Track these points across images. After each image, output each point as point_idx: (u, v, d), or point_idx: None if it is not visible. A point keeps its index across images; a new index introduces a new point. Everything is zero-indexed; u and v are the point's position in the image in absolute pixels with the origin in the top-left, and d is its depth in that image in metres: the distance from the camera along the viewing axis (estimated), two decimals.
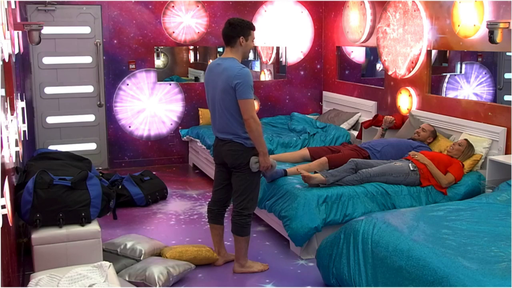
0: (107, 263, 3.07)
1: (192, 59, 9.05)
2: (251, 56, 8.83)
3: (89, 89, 7.12)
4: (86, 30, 6.97)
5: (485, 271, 2.80)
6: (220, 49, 8.77)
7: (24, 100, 4.72)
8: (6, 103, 2.98)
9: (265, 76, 8.36)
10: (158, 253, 4.26)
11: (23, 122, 4.20)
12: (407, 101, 6.19)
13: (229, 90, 3.83)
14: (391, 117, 6.03)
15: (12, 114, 3.23)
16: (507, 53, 5.36)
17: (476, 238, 3.25)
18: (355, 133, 6.71)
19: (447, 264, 2.92)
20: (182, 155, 7.68)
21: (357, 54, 7.66)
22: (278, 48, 8.13)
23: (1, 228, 2.27)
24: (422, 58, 5.90)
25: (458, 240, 3.22)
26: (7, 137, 2.83)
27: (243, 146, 3.93)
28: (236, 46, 3.95)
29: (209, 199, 5.97)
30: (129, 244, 4.17)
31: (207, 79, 4.04)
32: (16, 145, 3.45)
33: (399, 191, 4.62)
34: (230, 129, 3.93)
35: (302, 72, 8.07)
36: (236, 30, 3.91)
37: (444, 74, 6.36)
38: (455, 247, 3.12)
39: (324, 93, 8.09)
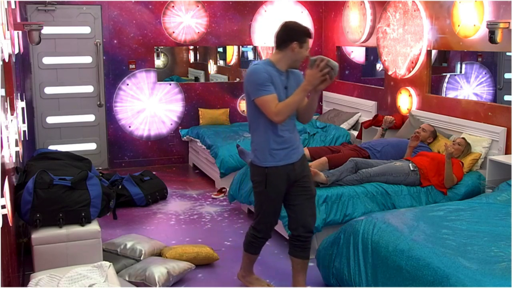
0: (107, 263, 3.07)
1: (192, 59, 9.06)
2: (251, 56, 8.83)
3: (89, 89, 7.12)
4: (86, 30, 6.97)
5: (485, 271, 2.80)
6: (220, 49, 8.79)
7: (24, 100, 4.72)
8: (6, 103, 2.98)
9: None
10: (158, 253, 4.26)
11: (23, 122, 4.20)
12: (407, 101, 6.19)
13: (246, 94, 3.48)
14: (391, 117, 6.02)
15: (12, 114, 3.23)
16: (507, 53, 5.36)
17: (476, 238, 3.25)
18: (355, 133, 6.71)
19: (447, 264, 2.92)
20: (182, 155, 7.68)
21: (357, 54, 7.66)
22: None
23: (1, 228, 2.27)
24: (422, 58, 5.90)
25: (458, 240, 3.22)
26: (7, 137, 2.83)
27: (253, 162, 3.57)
28: (285, 51, 3.42)
29: (209, 199, 6.03)
30: (129, 244, 4.17)
31: None
32: (16, 145, 3.45)
33: (399, 191, 4.61)
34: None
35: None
36: (291, 33, 3.40)
37: (444, 74, 6.37)
38: (455, 247, 3.12)
39: (324, 93, 8.07)
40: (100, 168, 7.15)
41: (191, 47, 8.64)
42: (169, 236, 4.94)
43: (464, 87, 6.22)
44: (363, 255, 3.48)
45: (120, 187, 5.73)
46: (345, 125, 6.93)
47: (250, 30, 7.67)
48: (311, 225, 3.58)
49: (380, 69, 7.18)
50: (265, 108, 3.31)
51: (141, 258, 4.08)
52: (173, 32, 7.32)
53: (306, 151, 5.59)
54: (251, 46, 8.29)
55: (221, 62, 9.00)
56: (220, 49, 8.76)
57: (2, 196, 2.30)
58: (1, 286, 2.28)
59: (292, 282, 3.68)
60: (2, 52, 2.73)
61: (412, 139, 5.16)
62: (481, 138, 5.07)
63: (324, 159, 5.09)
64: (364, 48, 7.41)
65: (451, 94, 6.19)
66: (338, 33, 7.63)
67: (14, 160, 3.75)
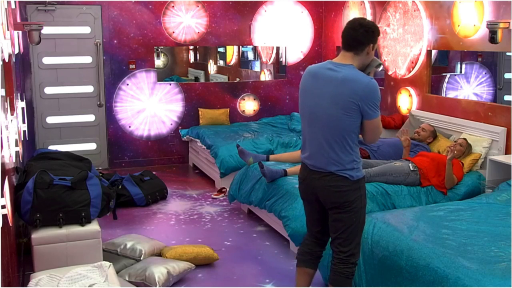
0: (107, 263, 3.07)
1: (192, 59, 9.05)
2: (250, 56, 8.84)
3: (89, 89, 7.12)
4: (86, 30, 6.97)
5: (485, 271, 2.80)
6: (221, 49, 8.78)
7: (24, 100, 4.72)
8: (6, 103, 2.98)
9: (265, 76, 8.36)
10: (158, 253, 4.26)
11: (23, 122, 4.20)
12: (407, 101, 6.19)
13: (349, 107, 2.95)
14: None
15: (12, 114, 3.23)
16: (507, 53, 5.36)
17: (476, 238, 3.26)
18: None
19: (447, 264, 2.93)
20: (182, 155, 7.68)
21: None
22: (278, 48, 8.13)
23: (1, 228, 2.27)
24: (422, 58, 5.90)
25: (458, 240, 3.22)
26: (7, 137, 2.83)
27: (348, 180, 3.04)
28: (361, 54, 3.04)
29: (209, 199, 6.03)
30: (129, 244, 4.17)
31: (310, 86, 3.11)
32: (16, 145, 3.45)
33: (399, 191, 4.61)
34: (332, 156, 3.03)
35: (302, 72, 8.04)
36: (368, 35, 3.03)
37: (444, 74, 6.36)
38: (455, 247, 3.12)
39: None
40: (100, 168, 7.15)
41: (191, 47, 8.64)
42: (169, 236, 4.94)
43: (464, 87, 6.21)
44: (363, 255, 3.48)
45: (120, 187, 5.73)
46: None
47: (250, 30, 7.67)
48: None
49: (380, 69, 7.18)
50: (378, 129, 3.04)
51: (141, 258, 4.08)
52: (173, 32, 7.32)
53: None
54: (251, 46, 8.29)
55: (221, 62, 9.01)
56: (220, 49, 8.76)
57: (2, 196, 2.30)
58: (1, 286, 2.28)
59: (297, 284, 3.50)
60: (2, 52, 2.73)
61: (402, 139, 5.11)
62: (481, 138, 5.07)
63: None
64: None
65: (451, 94, 6.19)
66: (338, 33, 7.63)
67: (14, 160, 3.75)
